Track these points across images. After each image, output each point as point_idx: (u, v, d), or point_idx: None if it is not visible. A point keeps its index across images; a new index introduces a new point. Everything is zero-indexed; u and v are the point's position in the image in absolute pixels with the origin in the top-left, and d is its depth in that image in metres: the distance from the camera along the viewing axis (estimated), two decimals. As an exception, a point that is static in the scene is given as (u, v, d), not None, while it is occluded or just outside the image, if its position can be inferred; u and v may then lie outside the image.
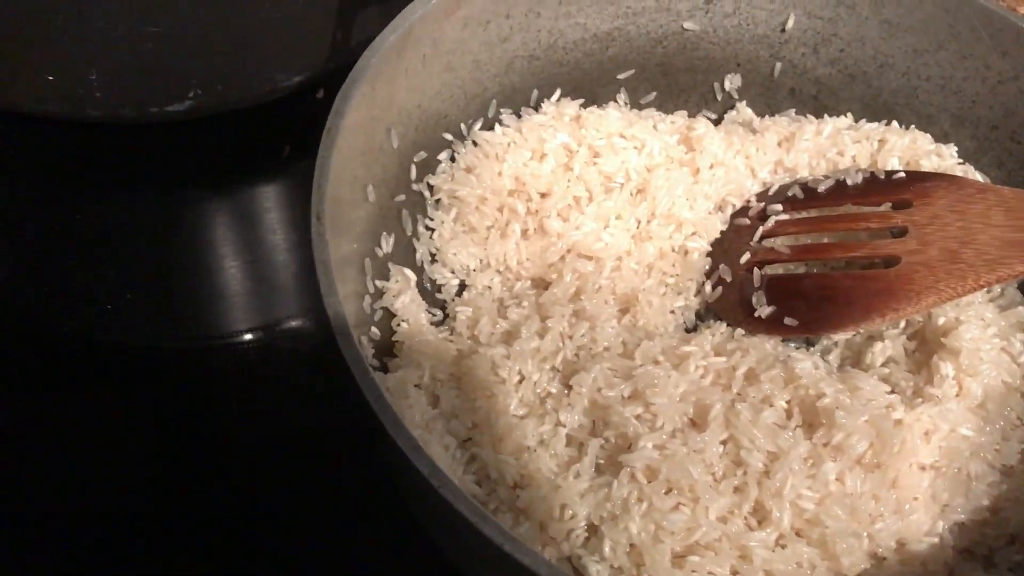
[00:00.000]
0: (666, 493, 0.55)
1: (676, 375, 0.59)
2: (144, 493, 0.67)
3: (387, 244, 0.64)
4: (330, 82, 0.75)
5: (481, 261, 0.69)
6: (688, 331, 0.69)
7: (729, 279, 0.68)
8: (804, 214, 0.69)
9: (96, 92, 0.67)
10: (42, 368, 0.72)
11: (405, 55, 0.61)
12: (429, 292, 0.68)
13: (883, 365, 0.64)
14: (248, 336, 0.76)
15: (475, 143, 0.69)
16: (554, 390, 0.61)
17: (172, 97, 0.70)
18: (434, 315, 0.66)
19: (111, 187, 0.76)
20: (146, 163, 0.76)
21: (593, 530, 0.55)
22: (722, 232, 0.71)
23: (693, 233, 0.70)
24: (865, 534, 0.55)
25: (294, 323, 0.76)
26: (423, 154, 0.67)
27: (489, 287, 0.69)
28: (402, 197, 0.65)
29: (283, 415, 0.71)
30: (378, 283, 0.63)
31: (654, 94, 0.75)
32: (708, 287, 0.69)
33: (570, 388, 0.61)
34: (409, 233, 0.67)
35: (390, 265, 0.64)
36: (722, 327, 0.67)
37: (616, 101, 0.74)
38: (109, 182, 0.76)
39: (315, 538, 0.65)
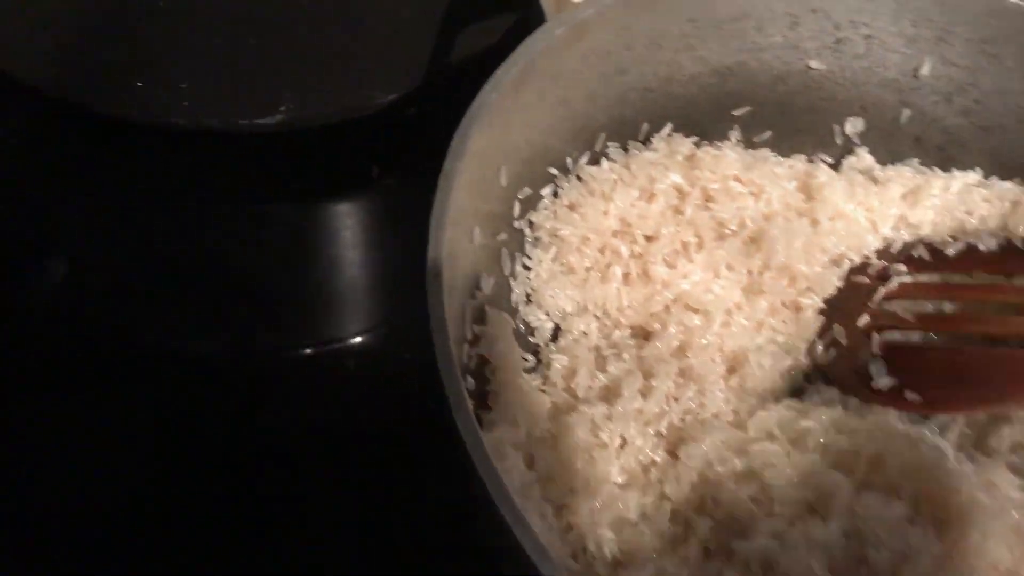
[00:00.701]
0: (785, 588, 0.51)
1: (795, 453, 0.55)
2: (183, 492, 0.65)
3: (487, 286, 0.60)
4: (424, 101, 0.72)
5: (578, 304, 0.65)
6: (796, 392, 0.64)
7: (844, 342, 0.64)
8: (929, 277, 0.64)
9: (184, 101, 0.63)
10: (112, 375, 0.70)
11: (524, 89, 0.56)
12: (522, 336, 0.64)
13: (1010, 451, 0.59)
14: (309, 350, 0.73)
15: (580, 178, 0.65)
16: (659, 459, 0.57)
17: (263, 110, 0.66)
18: (527, 361, 0.62)
19: (194, 196, 0.73)
20: (229, 174, 0.73)
21: (703, 623, 0.51)
22: (838, 289, 0.66)
23: (807, 288, 0.65)
24: (1000, 651, 0.50)
25: (357, 340, 0.74)
26: (527, 190, 0.62)
27: (585, 333, 0.64)
28: (504, 236, 0.61)
29: (338, 432, 0.69)
30: (476, 328, 0.58)
31: (769, 133, 0.70)
32: (820, 348, 0.65)
33: (676, 458, 0.57)
34: (507, 273, 0.62)
35: (487, 309, 0.60)
36: (834, 393, 0.63)
37: (728, 139, 0.69)
38: (192, 191, 0.73)
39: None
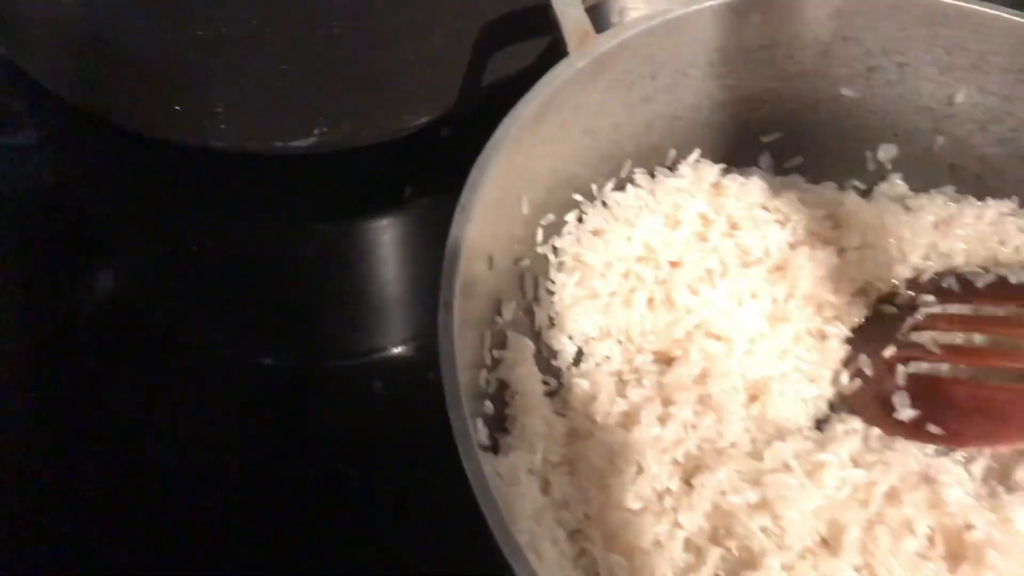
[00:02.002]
0: (792, 621, 0.51)
1: (810, 486, 0.55)
2: (230, 501, 0.67)
3: (508, 311, 0.61)
4: (456, 123, 0.73)
5: (601, 329, 0.65)
6: (819, 421, 0.64)
7: (869, 372, 0.63)
8: (958, 308, 0.64)
9: (222, 124, 0.66)
10: (157, 379, 0.73)
11: (545, 121, 0.57)
12: (544, 359, 0.64)
13: (1033, 485, 0.59)
14: (347, 362, 0.75)
15: (605, 204, 0.66)
16: (674, 487, 0.57)
17: (298, 132, 0.68)
18: (548, 384, 0.63)
19: (232, 215, 0.76)
20: (265, 194, 0.75)
21: (711, 652, 0.52)
22: (865, 319, 0.66)
23: (833, 317, 0.65)
24: None
25: (395, 351, 0.76)
26: (551, 216, 0.63)
27: (608, 357, 0.65)
28: (526, 262, 0.62)
29: (378, 441, 0.70)
30: (495, 353, 0.60)
31: (800, 159, 0.70)
32: (845, 377, 0.64)
33: (691, 486, 0.57)
34: (529, 298, 0.63)
35: (508, 333, 0.61)
36: (856, 423, 0.62)
37: (758, 165, 0.69)
38: (231, 210, 0.76)
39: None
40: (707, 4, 0.61)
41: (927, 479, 0.56)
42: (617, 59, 0.59)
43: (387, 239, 0.79)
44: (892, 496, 0.55)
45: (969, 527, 0.53)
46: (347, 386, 0.74)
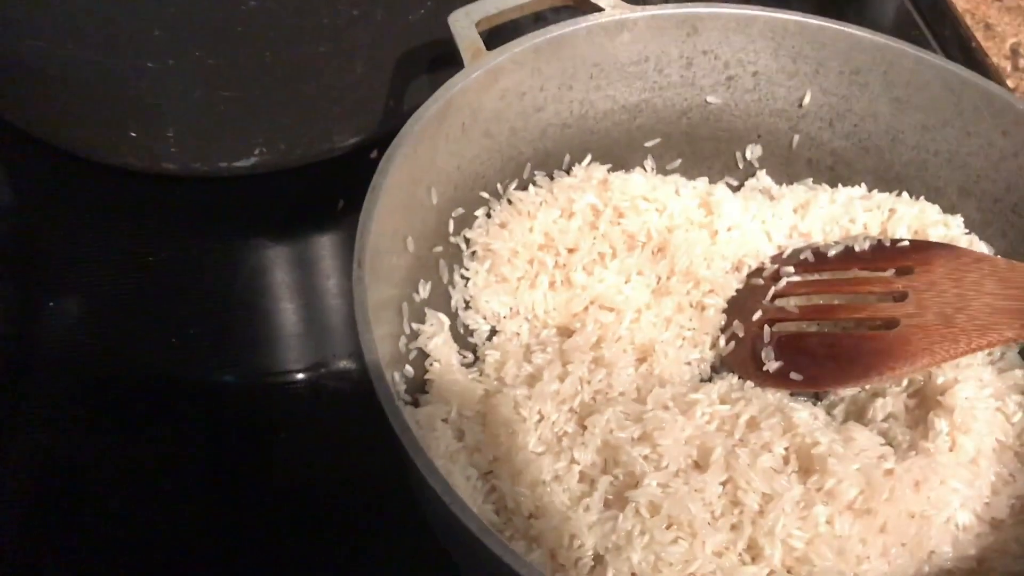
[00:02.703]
0: (667, 528, 0.59)
1: (683, 420, 0.64)
2: (195, 519, 0.72)
3: (424, 290, 0.70)
4: (384, 144, 0.83)
5: (511, 309, 0.75)
6: (703, 382, 0.73)
7: (742, 335, 0.73)
8: (815, 277, 0.74)
9: (172, 147, 0.76)
10: (111, 400, 0.79)
11: (446, 122, 0.67)
12: (462, 336, 0.74)
13: (883, 420, 0.68)
14: (300, 375, 0.82)
15: (510, 201, 0.76)
16: (570, 430, 0.66)
17: (239, 154, 0.77)
18: (465, 357, 0.72)
19: (181, 233, 0.84)
20: (213, 212, 0.84)
21: (599, 559, 0.60)
22: (737, 291, 0.75)
23: (710, 291, 0.75)
24: (852, 574, 0.58)
25: (342, 364, 0.82)
26: (461, 210, 0.73)
27: (518, 333, 0.74)
28: (440, 248, 0.72)
29: (329, 450, 0.77)
30: (414, 325, 0.69)
31: (679, 161, 0.81)
32: (722, 341, 0.74)
33: (585, 428, 0.66)
34: (445, 281, 0.73)
35: (426, 310, 0.70)
36: (734, 379, 0.72)
37: (643, 167, 0.80)
38: (180, 229, 0.84)
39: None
40: (583, 24, 0.72)
41: (782, 408, 0.65)
42: (507, 71, 0.70)
43: (325, 253, 0.88)
44: (752, 424, 0.64)
45: (815, 444, 0.62)
46: (294, 400, 0.80)
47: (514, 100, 0.73)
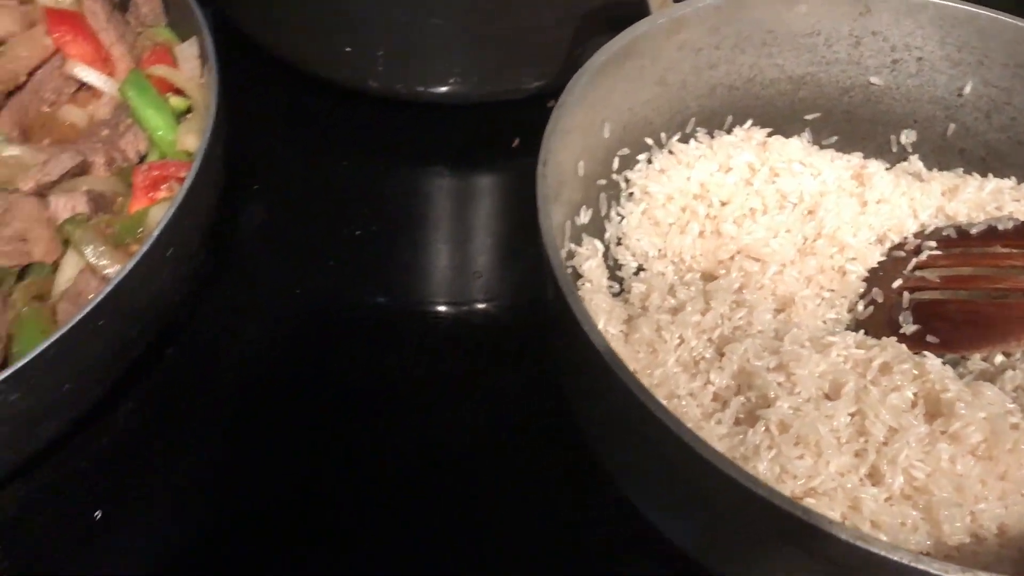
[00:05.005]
0: (795, 445, 0.63)
1: (818, 356, 0.68)
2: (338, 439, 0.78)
3: (585, 216, 0.76)
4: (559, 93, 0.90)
5: (660, 251, 0.80)
6: (835, 340, 0.77)
7: (881, 300, 0.76)
8: (957, 251, 0.77)
9: (379, 66, 0.84)
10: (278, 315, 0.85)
11: (627, 62, 0.73)
12: (611, 268, 0.79)
13: (1012, 391, 0.70)
14: (444, 308, 0.87)
15: (671, 152, 0.81)
16: (708, 355, 0.71)
17: (436, 80, 0.85)
18: (612, 287, 0.78)
19: (365, 150, 0.92)
20: (401, 135, 0.92)
21: (726, 468, 0.64)
22: (879, 262, 0.79)
23: (853, 258, 0.78)
24: (969, 511, 0.61)
25: (484, 305, 0.88)
26: (626, 150, 0.79)
27: (663, 273, 0.79)
28: (603, 182, 0.78)
29: (467, 382, 0.82)
30: (572, 246, 0.75)
31: (835, 138, 0.85)
32: (860, 306, 0.77)
33: (723, 355, 0.70)
34: (603, 214, 0.79)
35: (583, 235, 0.76)
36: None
37: (800, 138, 0.84)
38: (365, 146, 0.92)
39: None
40: (763, -9, 0.77)
41: (914, 357, 0.68)
42: (688, 24, 0.76)
43: (496, 192, 0.94)
44: (885, 368, 0.68)
45: (945, 390, 0.65)
46: (435, 333, 0.86)
47: (690, 54, 0.78)
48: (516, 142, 0.91)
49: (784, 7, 0.78)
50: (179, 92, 0.78)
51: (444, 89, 0.86)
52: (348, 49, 0.83)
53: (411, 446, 0.77)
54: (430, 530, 0.73)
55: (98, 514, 0.70)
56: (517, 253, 0.90)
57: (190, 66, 0.79)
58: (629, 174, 0.80)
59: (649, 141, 0.81)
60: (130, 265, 0.59)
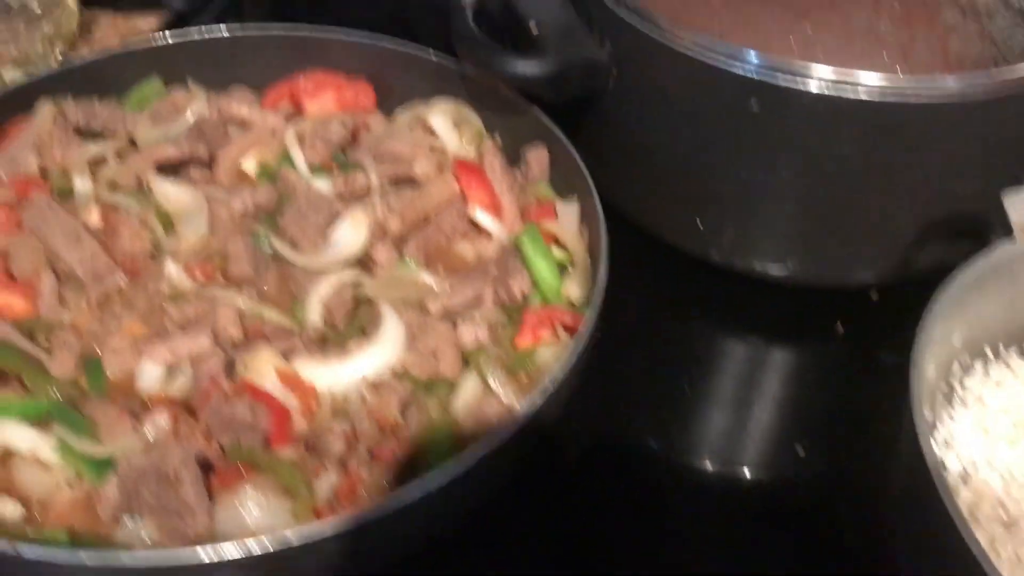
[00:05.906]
0: None
1: None
2: None
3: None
4: (883, 287, 0.95)
5: (988, 461, 0.82)
6: None
7: None
8: None
9: (723, 241, 0.92)
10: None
11: (987, 282, 0.78)
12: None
13: None
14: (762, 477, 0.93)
15: (1007, 365, 0.84)
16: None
17: (773, 259, 0.93)
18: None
19: (695, 316, 1.01)
20: (727, 305, 1.00)
21: None
22: None
23: None
24: None
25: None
26: (966, 356, 0.83)
27: (988, 483, 0.81)
28: (941, 383, 0.81)
29: None
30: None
31: None
32: None
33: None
34: (935, 415, 0.82)
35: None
36: None
37: None
38: (696, 312, 1.02)
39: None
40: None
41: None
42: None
43: (809, 367, 1.00)
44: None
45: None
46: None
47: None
48: (840, 329, 0.96)
49: None
50: (558, 243, 0.89)
51: (777, 269, 0.93)
52: (697, 219, 0.92)
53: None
54: None
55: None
56: (834, 433, 0.94)
57: (569, 221, 0.89)
58: (966, 380, 0.83)
59: (988, 351, 0.84)
60: (539, 401, 0.69)
